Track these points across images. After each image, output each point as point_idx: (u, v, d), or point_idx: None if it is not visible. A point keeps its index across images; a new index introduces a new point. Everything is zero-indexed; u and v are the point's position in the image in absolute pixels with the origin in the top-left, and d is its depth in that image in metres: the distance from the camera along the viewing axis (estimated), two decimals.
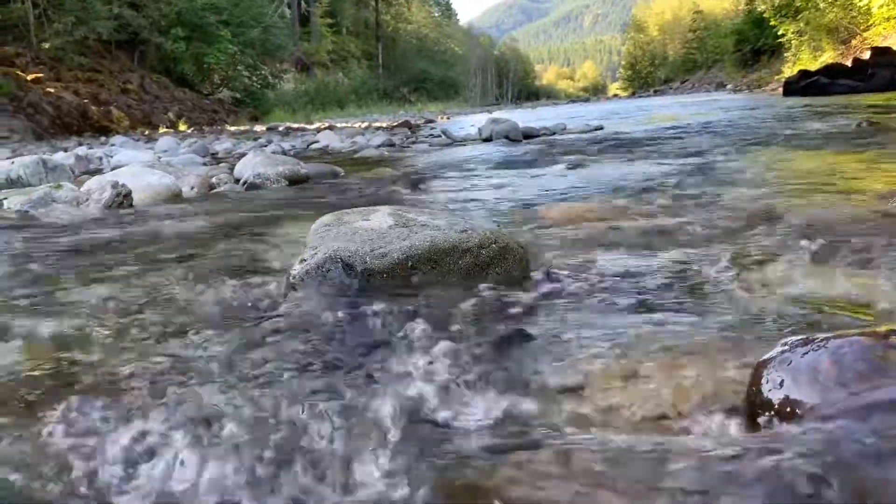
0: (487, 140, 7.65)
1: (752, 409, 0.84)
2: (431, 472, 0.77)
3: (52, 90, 18.89)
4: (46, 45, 20.81)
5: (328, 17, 48.45)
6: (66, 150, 9.28)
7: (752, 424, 0.83)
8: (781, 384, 0.81)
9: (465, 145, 7.53)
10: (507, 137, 7.54)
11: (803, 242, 1.65)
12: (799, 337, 0.87)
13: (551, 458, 0.79)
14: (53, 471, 0.81)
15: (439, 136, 9.46)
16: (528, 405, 0.94)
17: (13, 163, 4.34)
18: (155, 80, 24.45)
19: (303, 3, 44.70)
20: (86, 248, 2.29)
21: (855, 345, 0.81)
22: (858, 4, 25.01)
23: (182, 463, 0.80)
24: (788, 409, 0.79)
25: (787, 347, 0.86)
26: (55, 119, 17.90)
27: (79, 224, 2.82)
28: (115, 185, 3.37)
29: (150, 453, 0.83)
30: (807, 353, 0.83)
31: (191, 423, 0.88)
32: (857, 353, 0.79)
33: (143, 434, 0.87)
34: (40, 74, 19.23)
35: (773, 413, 0.80)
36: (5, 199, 3.45)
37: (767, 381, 0.83)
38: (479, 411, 0.93)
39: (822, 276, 1.39)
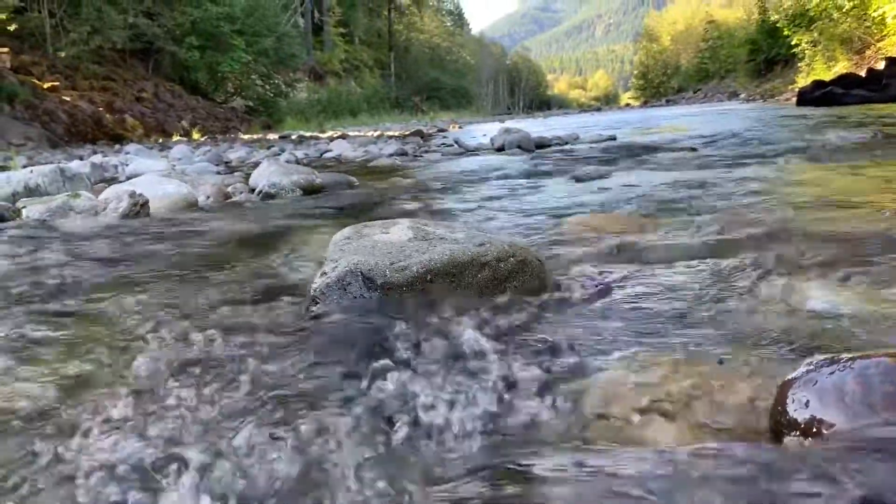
0: (500, 150, 7.66)
1: (777, 428, 0.83)
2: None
3: (67, 98, 19.07)
4: (62, 54, 21.02)
5: (341, 27, 48.72)
6: (81, 157, 9.36)
7: (777, 444, 0.83)
8: (807, 404, 0.81)
9: (477, 155, 7.54)
10: (519, 147, 7.55)
11: (823, 258, 1.64)
12: (824, 356, 0.87)
13: (566, 478, 0.79)
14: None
15: (451, 145, 9.48)
16: (545, 421, 0.94)
17: (31, 171, 4.37)
18: (169, 89, 24.64)
19: (316, 12, 44.97)
20: (105, 257, 2.31)
21: (881, 365, 0.80)
22: (873, 15, 24.93)
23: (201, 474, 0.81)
24: (814, 430, 0.79)
25: (812, 367, 0.86)
26: (70, 127, 18.07)
27: (97, 233, 2.85)
28: (132, 195, 3.40)
29: (170, 466, 0.84)
30: (832, 373, 0.83)
31: (215, 431, 0.89)
32: (883, 373, 0.79)
33: (165, 443, 0.88)
34: (56, 83, 19.43)
35: (798, 433, 0.80)
36: (24, 207, 3.48)
37: (793, 401, 0.83)
38: (491, 423, 0.94)
39: (845, 292, 1.38)
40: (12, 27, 19.62)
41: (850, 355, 0.85)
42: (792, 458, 0.76)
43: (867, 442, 0.74)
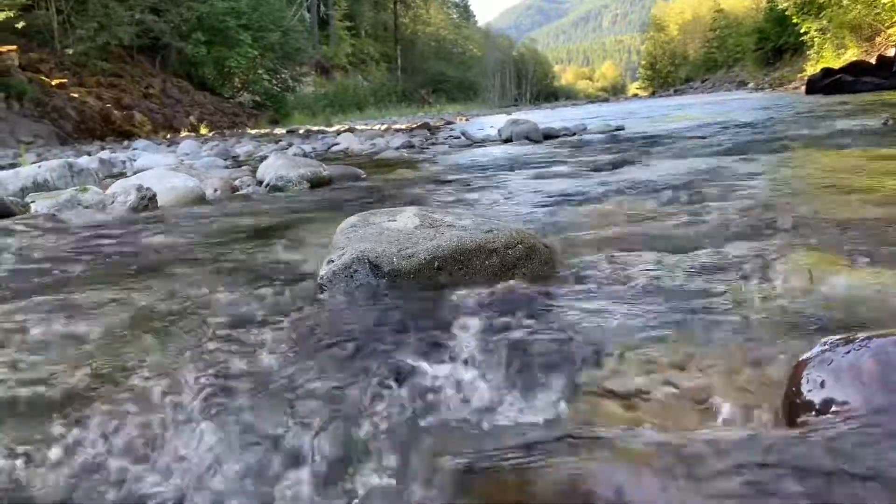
0: (507, 141, 7.64)
1: (792, 408, 0.82)
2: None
3: (75, 95, 19.14)
4: (70, 51, 21.09)
5: (347, 21, 48.69)
6: (89, 153, 9.39)
7: (792, 424, 0.81)
8: (823, 384, 0.80)
9: (484, 146, 7.51)
10: (527, 138, 7.53)
11: (836, 241, 1.62)
12: (839, 336, 0.86)
13: (586, 455, 0.78)
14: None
15: (459, 137, 9.46)
16: (556, 405, 0.93)
17: (40, 167, 4.38)
18: (176, 85, 24.70)
19: (322, 6, 44.93)
20: (113, 250, 2.31)
21: None
22: (883, 1, 24.70)
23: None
24: (831, 410, 0.77)
25: (827, 347, 0.84)
26: (79, 123, 18.14)
27: (105, 227, 2.85)
28: (139, 189, 3.40)
29: (184, 453, 0.84)
30: (848, 352, 0.81)
31: (225, 417, 0.89)
32: None
33: (181, 434, 0.88)
34: (64, 80, 19.49)
35: (814, 413, 0.79)
36: (33, 202, 3.48)
37: (808, 381, 0.81)
38: (501, 413, 0.93)
39: (856, 275, 1.36)
40: (20, 25, 19.67)
41: (865, 334, 0.83)
42: (806, 439, 0.75)
43: (884, 421, 0.72)
